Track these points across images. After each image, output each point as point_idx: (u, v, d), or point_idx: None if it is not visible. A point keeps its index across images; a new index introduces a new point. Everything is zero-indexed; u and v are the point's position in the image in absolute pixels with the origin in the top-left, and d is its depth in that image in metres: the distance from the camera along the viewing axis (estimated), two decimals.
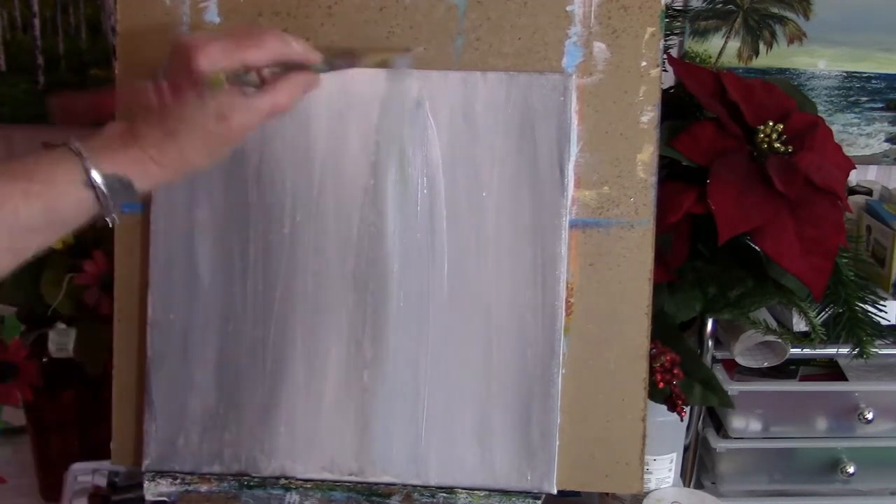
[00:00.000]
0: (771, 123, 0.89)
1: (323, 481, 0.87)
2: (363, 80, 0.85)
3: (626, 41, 0.85)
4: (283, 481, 0.87)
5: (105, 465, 0.95)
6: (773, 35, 1.32)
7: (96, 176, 0.66)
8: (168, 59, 0.70)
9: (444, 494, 0.86)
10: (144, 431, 0.87)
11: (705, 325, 1.00)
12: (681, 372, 0.87)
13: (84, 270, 0.96)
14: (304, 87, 0.72)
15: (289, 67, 0.71)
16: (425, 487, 0.86)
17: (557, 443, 0.85)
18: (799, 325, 1.00)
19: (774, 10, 1.31)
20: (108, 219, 0.68)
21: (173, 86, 0.68)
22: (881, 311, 0.98)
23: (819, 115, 0.97)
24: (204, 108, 0.68)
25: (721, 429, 1.09)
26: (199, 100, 0.68)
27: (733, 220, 0.85)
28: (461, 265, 0.85)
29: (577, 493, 0.96)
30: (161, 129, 0.68)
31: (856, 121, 1.37)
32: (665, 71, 0.88)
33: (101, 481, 0.96)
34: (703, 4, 1.31)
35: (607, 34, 0.85)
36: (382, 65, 0.81)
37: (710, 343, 1.01)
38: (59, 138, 0.68)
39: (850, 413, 1.08)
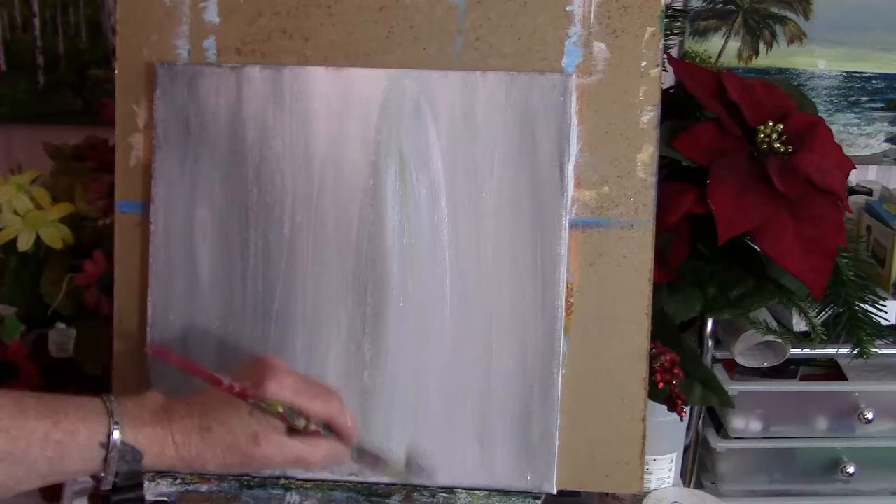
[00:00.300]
0: (771, 123, 0.89)
1: (323, 481, 0.87)
2: (363, 80, 0.85)
3: (626, 41, 0.85)
4: (283, 481, 0.87)
5: None
6: (773, 35, 1.32)
7: (116, 441, 0.68)
8: (248, 365, 0.75)
9: (444, 494, 0.86)
10: None
11: (705, 325, 1.00)
12: (681, 372, 0.87)
13: (84, 270, 0.96)
14: (335, 455, 0.76)
15: (330, 431, 0.75)
16: (425, 487, 0.86)
17: (557, 443, 0.85)
18: (799, 325, 1.00)
19: (774, 10, 1.31)
20: (102, 482, 0.70)
21: (241, 393, 0.72)
22: (881, 311, 0.98)
23: (819, 115, 0.97)
24: (246, 424, 0.71)
25: (721, 429, 1.09)
26: (249, 415, 0.71)
27: (733, 220, 0.85)
28: (461, 265, 0.85)
29: (577, 493, 0.96)
30: (198, 421, 0.71)
31: (856, 121, 1.37)
32: (665, 71, 0.88)
33: None
34: (703, 4, 1.31)
35: (607, 34, 0.85)
36: (403, 478, 0.85)
37: (710, 343, 1.01)
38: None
39: (850, 413, 1.08)
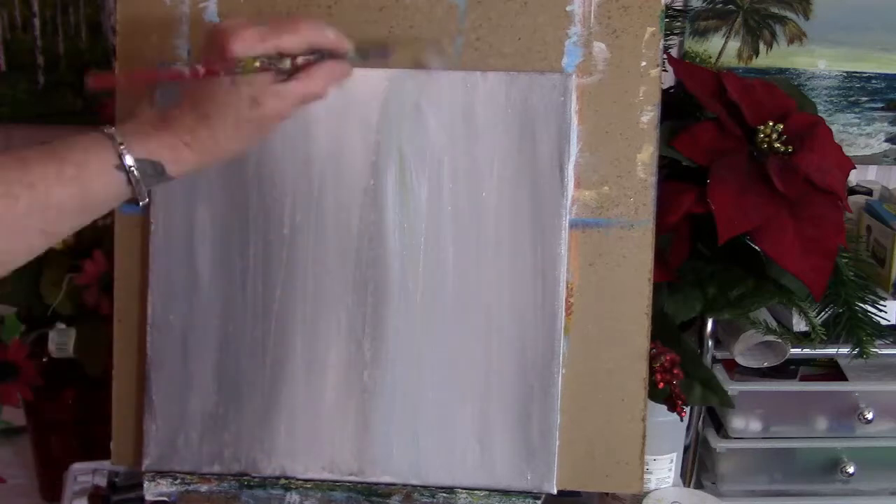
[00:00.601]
0: (771, 123, 0.89)
1: (323, 481, 0.87)
2: (363, 80, 0.85)
3: (626, 41, 0.85)
4: (283, 481, 0.87)
5: (105, 465, 0.95)
6: (773, 35, 1.32)
7: (129, 160, 0.67)
8: (203, 44, 0.70)
9: (444, 494, 0.86)
10: (144, 431, 0.87)
11: (705, 325, 1.00)
12: (681, 372, 0.87)
13: (84, 270, 0.96)
14: (337, 75, 0.72)
15: (322, 55, 0.71)
16: (425, 487, 0.86)
17: (557, 443, 0.85)
18: (799, 325, 1.00)
19: (774, 10, 1.31)
20: (140, 202, 0.69)
21: (208, 70, 0.68)
22: (881, 311, 0.98)
23: (819, 115, 0.97)
24: (238, 93, 0.68)
25: (721, 429, 1.09)
26: (233, 85, 0.68)
27: (733, 220, 0.85)
28: (461, 265, 0.85)
29: (577, 493, 0.96)
30: (194, 113, 0.69)
31: (856, 121, 1.37)
32: (665, 71, 0.88)
33: (101, 481, 0.96)
34: (703, 4, 1.31)
35: (607, 34, 0.85)
36: (416, 62, 0.80)
37: (710, 343, 1.01)
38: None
39: (850, 413, 1.08)
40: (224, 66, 0.68)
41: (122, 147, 0.67)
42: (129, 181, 0.67)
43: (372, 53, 0.74)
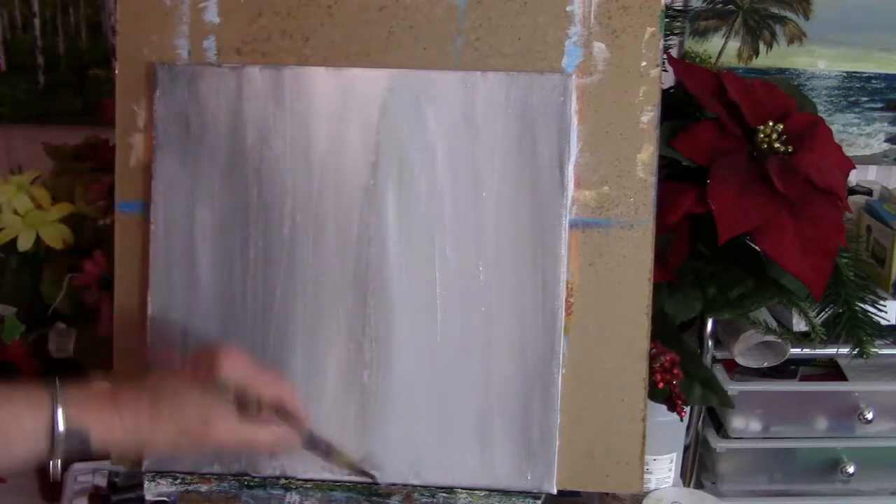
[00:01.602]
0: (771, 123, 0.89)
1: (323, 481, 0.87)
2: (363, 80, 0.85)
3: (626, 41, 0.85)
4: (283, 481, 0.87)
5: (105, 465, 0.95)
6: (773, 35, 1.32)
7: (61, 428, 0.68)
8: (202, 349, 0.75)
9: (444, 494, 0.86)
10: None
11: (705, 325, 1.00)
12: (681, 372, 0.87)
13: (84, 270, 0.96)
14: (283, 442, 0.76)
15: (282, 417, 0.75)
16: (425, 487, 0.86)
17: (557, 443, 0.85)
18: (799, 325, 1.00)
19: (774, 10, 1.31)
20: (51, 469, 0.69)
21: (196, 370, 0.72)
22: (881, 311, 0.98)
23: (819, 115, 0.97)
24: (196, 406, 0.71)
25: (721, 429, 1.09)
26: (199, 396, 0.71)
27: (733, 220, 0.85)
28: (461, 265, 0.85)
29: (577, 493, 0.96)
30: (147, 402, 0.71)
31: (856, 121, 1.37)
32: (665, 71, 0.88)
33: (101, 481, 0.96)
34: (703, 4, 1.31)
35: (607, 34, 0.85)
36: (355, 468, 0.84)
37: (710, 343, 1.01)
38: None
39: (850, 413, 1.08)
40: (205, 377, 0.71)
41: (59, 415, 0.68)
42: (52, 448, 0.68)
43: (320, 445, 0.79)
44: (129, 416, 0.70)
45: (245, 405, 0.73)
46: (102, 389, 0.72)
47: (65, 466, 0.70)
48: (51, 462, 0.68)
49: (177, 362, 0.73)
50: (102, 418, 0.70)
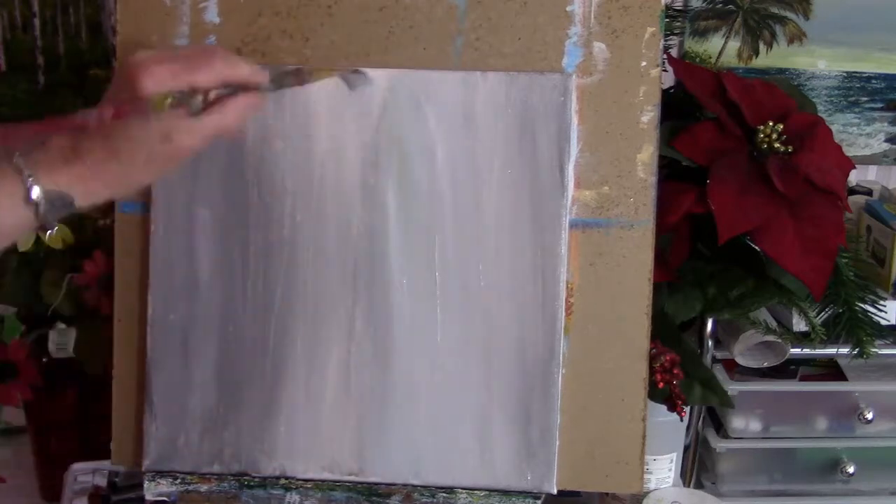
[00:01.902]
0: (771, 123, 0.89)
1: (323, 481, 0.87)
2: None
3: (626, 41, 0.85)
4: (283, 481, 0.87)
5: (105, 465, 0.95)
6: (773, 35, 1.32)
7: (37, 193, 0.66)
8: (113, 79, 0.70)
9: (444, 494, 0.86)
10: (144, 431, 0.87)
11: (705, 325, 1.00)
12: (681, 372, 0.87)
13: (84, 270, 0.96)
14: (249, 108, 0.72)
15: (236, 89, 0.70)
16: (425, 487, 0.86)
17: (557, 443, 0.85)
18: (799, 325, 1.00)
19: (774, 10, 1.31)
20: (47, 231, 0.68)
21: (118, 108, 0.67)
22: (881, 311, 0.98)
23: (819, 115, 0.97)
24: (148, 130, 0.68)
25: (721, 429, 1.09)
26: (144, 121, 0.67)
27: (733, 220, 0.85)
28: (461, 265, 0.85)
29: (577, 493, 0.96)
30: (104, 148, 0.68)
31: (856, 121, 1.37)
32: (665, 71, 0.88)
33: (101, 481, 0.96)
34: (703, 4, 1.31)
35: (607, 34, 0.85)
36: (338, 74, 0.78)
37: (710, 343, 1.01)
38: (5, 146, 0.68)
39: (850, 413, 1.08)
40: (134, 106, 0.67)
41: (30, 180, 0.66)
42: (37, 214, 0.66)
43: (287, 82, 0.74)
44: (98, 165, 0.68)
45: (190, 103, 0.68)
46: (62, 146, 0.68)
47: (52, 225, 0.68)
48: (46, 224, 0.67)
49: (83, 119, 0.67)
50: (76, 176, 0.67)
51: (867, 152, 1.39)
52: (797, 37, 1.32)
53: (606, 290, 0.86)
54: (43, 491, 1.07)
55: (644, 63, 0.85)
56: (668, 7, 0.89)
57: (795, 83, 1.30)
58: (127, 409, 0.89)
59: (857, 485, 1.11)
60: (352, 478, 0.86)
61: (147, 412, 0.87)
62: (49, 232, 0.68)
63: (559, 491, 0.86)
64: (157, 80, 0.67)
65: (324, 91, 0.85)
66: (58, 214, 0.67)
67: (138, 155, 0.68)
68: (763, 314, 1.02)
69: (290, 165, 0.86)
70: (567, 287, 0.85)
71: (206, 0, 0.86)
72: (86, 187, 0.68)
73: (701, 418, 1.06)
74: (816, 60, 1.34)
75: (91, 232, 0.99)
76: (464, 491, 0.86)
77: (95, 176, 0.68)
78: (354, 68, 0.78)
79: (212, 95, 0.69)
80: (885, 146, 1.39)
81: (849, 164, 0.94)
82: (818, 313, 0.96)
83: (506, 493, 0.86)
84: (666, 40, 0.90)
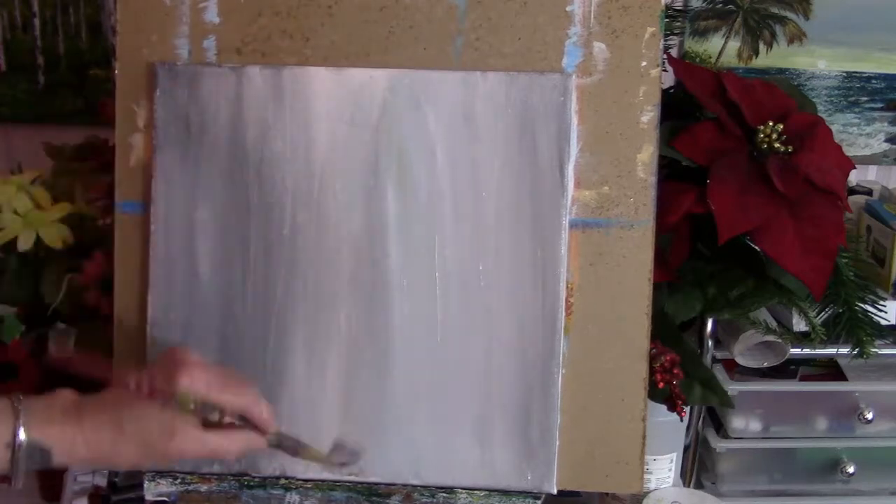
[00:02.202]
0: (771, 123, 0.89)
1: (323, 481, 0.87)
2: (363, 80, 0.85)
3: (626, 41, 0.85)
4: (283, 481, 0.87)
5: None
6: (773, 35, 1.32)
7: (21, 441, 0.68)
8: (160, 359, 0.74)
9: (444, 494, 0.86)
10: None
11: (705, 325, 1.00)
12: (681, 372, 0.87)
13: (84, 270, 0.96)
14: (250, 446, 0.76)
15: (246, 421, 0.75)
16: (425, 487, 0.86)
17: (557, 443, 0.85)
18: (799, 325, 1.00)
19: (774, 10, 1.31)
20: (13, 482, 0.69)
21: (150, 391, 0.72)
22: (881, 311, 0.98)
23: (819, 115, 0.97)
24: (160, 420, 0.71)
25: (721, 429, 1.09)
26: (160, 411, 0.71)
27: (733, 220, 0.85)
28: (461, 265, 0.85)
29: (577, 493, 0.96)
30: (110, 418, 0.71)
31: (856, 121, 1.37)
32: (665, 71, 0.88)
33: (101, 481, 0.96)
34: (703, 4, 1.31)
35: (607, 34, 0.85)
36: (324, 462, 0.82)
37: (710, 343, 1.01)
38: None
39: (850, 413, 1.08)
40: (162, 393, 0.71)
41: (20, 429, 0.68)
42: (13, 458, 0.68)
43: (285, 445, 0.78)
44: (92, 431, 0.70)
45: (207, 415, 0.73)
46: (66, 403, 0.72)
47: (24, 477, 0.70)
48: (11, 474, 0.69)
49: (135, 374, 0.72)
50: (65, 435, 0.70)
51: (867, 152, 1.39)
52: (797, 37, 1.32)
53: (606, 290, 0.86)
54: (43, 491, 1.06)
55: (644, 63, 0.85)
56: (668, 7, 0.89)
57: (795, 83, 1.30)
58: None
59: (857, 485, 1.11)
60: (352, 478, 0.86)
61: None
62: (12, 479, 0.69)
63: (559, 491, 0.86)
64: (193, 382, 0.71)
65: (324, 91, 0.85)
66: (30, 466, 0.69)
67: (137, 437, 0.71)
68: (763, 314, 1.02)
69: (290, 165, 0.86)
70: (567, 287, 0.85)
71: (206, 0, 0.86)
72: (70, 449, 0.70)
73: (701, 418, 1.06)
74: (816, 60, 1.34)
75: (91, 232, 0.99)
76: (464, 491, 0.86)
77: (85, 440, 0.70)
78: (342, 462, 0.82)
79: (226, 420, 0.74)
80: (885, 146, 1.39)
81: (849, 164, 0.94)
82: (818, 313, 0.96)
83: (506, 493, 0.86)
84: (666, 40, 0.90)
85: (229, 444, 0.74)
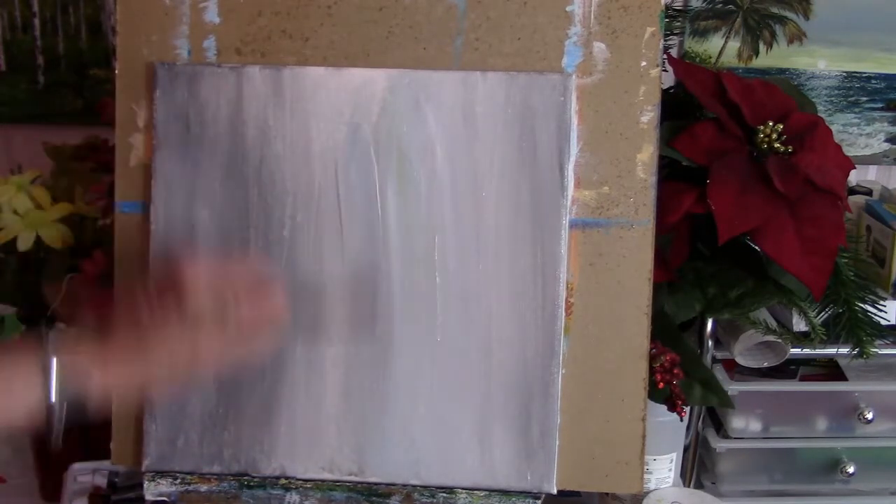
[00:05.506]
0: (771, 123, 0.89)
1: (323, 481, 0.87)
2: (363, 80, 0.85)
3: (626, 41, 0.85)
4: (283, 481, 0.87)
5: (105, 465, 0.96)
6: (773, 35, 1.32)
7: (53, 399, 0.68)
8: (162, 273, 0.74)
9: (444, 494, 0.86)
10: (144, 431, 0.87)
11: (705, 325, 1.00)
12: (681, 372, 0.87)
13: (84, 270, 0.96)
14: (278, 340, 0.76)
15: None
16: (425, 487, 0.86)
17: (557, 443, 0.85)
18: (799, 325, 1.00)
19: (774, 10, 1.31)
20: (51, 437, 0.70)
21: (162, 306, 0.70)
22: (881, 311, 0.98)
23: (819, 115, 0.97)
24: (179, 342, 0.70)
25: (721, 429, 1.09)
26: (177, 332, 0.70)
27: (733, 220, 0.85)
28: (461, 265, 0.85)
29: (577, 493, 0.96)
30: (134, 355, 0.70)
31: (856, 121, 1.37)
32: (665, 71, 0.87)
33: (101, 481, 0.96)
34: (703, 4, 1.31)
35: (607, 34, 0.85)
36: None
37: (710, 343, 1.01)
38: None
39: (850, 413, 1.08)
40: (176, 307, 0.69)
41: (52, 387, 0.68)
42: (49, 416, 0.68)
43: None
44: (121, 373, 0.70)
45: (224, 320, 0.71)
46: (90, 351, 0.70)
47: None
48: (53, 433, 0.69)
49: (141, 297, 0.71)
50: (95, 381, 0.69)
51: (867, 152, 1.39)
52: (797, 37, 1.32)
53: (606, 290, 0.86)
54: (43, 491, 1.07)
55: (644, 63, 0.85)
56: (668, 7, 0.89)
57: (795, 83, 1.30)
58: (127, 409, 0.88)
59: (857, 485, 1.11)
60: (352, 478, 0.86)
61: (147, 412, 0.87)
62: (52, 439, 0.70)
63: (559, 491, 0.86)
64: (202, 285, 0.70)
65: (323, 91, 0.85)
66: (66, 417, 0.69)
67: (163, 368, 0.71)
68: (763, 314, 1.02)
69: (290, 165, 0.86)
70: (567, 287, 0.85)
71: (206, 0, 0.86)
72: (103, 395, 0.70)
73: (701, 418, 1.06)
74: (816, 60, 1.34)
75: (91, 232, 0.99)
76: (464, 491, 0.86)
77: (116, 383, 0.71)
78: None
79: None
80: (885, 146, 1.39)
81: (849, 164, 0.94)
82: (818, 313, 0.96)
83: (506, 493, 0.86)
84: (666, 40, 0.90)
85: (258, 344, 0.73)
